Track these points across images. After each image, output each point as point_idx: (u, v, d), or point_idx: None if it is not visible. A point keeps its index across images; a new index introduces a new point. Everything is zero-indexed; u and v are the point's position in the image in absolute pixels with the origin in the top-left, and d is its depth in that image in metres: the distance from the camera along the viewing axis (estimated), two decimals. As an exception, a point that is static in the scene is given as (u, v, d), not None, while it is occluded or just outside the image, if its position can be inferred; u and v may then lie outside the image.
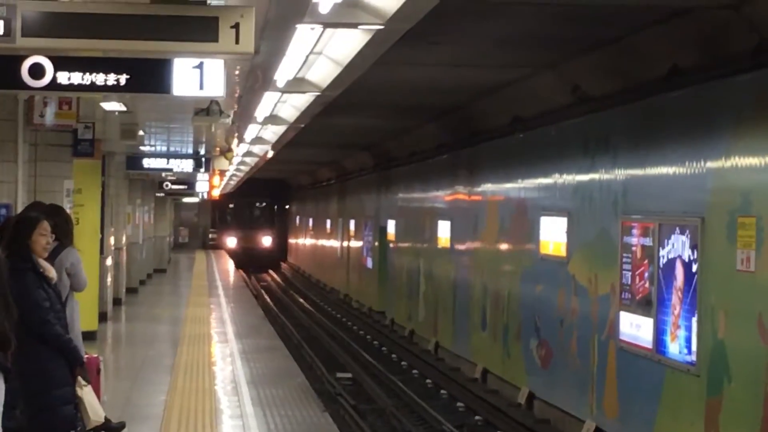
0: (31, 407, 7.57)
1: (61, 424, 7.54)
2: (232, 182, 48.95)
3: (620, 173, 14.45)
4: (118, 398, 12.42)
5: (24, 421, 7.75)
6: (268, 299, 39.86)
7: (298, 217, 62.37)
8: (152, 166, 24.60)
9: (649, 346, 13.23)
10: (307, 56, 13.55)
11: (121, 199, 24.96)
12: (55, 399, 7.50)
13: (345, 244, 41.33)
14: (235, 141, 21.56)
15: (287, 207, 68.58)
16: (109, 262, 21.09)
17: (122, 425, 10.44)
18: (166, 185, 34.79)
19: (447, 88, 18.74)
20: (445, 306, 24.01)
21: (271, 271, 59.42)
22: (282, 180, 63.90)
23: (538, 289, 17.66)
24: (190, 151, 24.27)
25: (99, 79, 8.65)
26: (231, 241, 65.70)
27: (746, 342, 11.12)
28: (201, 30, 7.46)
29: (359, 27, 11.05)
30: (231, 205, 66.41)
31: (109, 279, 21.03)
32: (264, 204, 67.72)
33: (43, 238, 7.71)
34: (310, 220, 54.02)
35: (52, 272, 7.75)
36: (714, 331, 11.72)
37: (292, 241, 65.39)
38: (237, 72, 11.40)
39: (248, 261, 59.44)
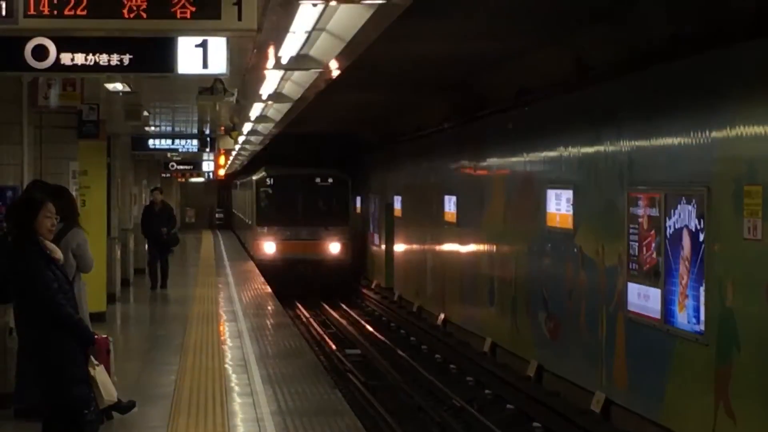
0: (45, 388, 7.61)
1: (75, 403, 7.56)
2: (237, 162, 48.64)
3: (625, 144, 14.42)
4: (128, 379, 12.42)
5: (37, 401, 7.80)
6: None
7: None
8: (157, 146, 24.59)
9: (658, 316, 13.23)
10: (310, 33, 13.51)
11: (126, 180, 24.95)
12: (68, 379, 7.51)
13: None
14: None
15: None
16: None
17: (132, 404, 10.51)
18: (172, 165, 34.78)
19: (451, 61, 18.68)
20: (452, 281, 24.01)
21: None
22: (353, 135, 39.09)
23: (545, 261, 17.66)
24: (195, 131, 24.23)
25: (102, 59, 8.61)
26: (267, 246, 35.35)
27: (755, 310, 11.12)
28: (203, 7, 7.42)
29: (362, 2, 11.00)
30: (268, 181, 36.62)
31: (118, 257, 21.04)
32: (330, 180, 36.32)
33: (48, 220, 7.70)
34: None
35: (58, 253, 7.75)
36: (722, 300, 11.72)
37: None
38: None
39: (298, 282, 33.75)
